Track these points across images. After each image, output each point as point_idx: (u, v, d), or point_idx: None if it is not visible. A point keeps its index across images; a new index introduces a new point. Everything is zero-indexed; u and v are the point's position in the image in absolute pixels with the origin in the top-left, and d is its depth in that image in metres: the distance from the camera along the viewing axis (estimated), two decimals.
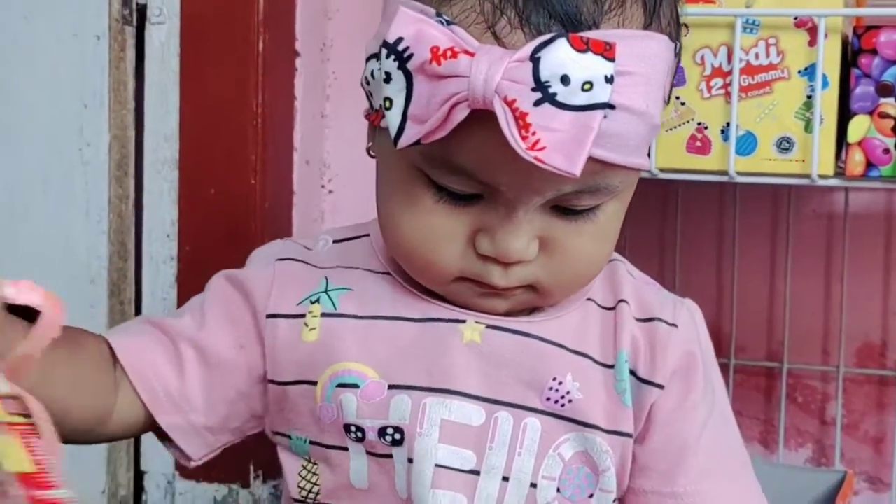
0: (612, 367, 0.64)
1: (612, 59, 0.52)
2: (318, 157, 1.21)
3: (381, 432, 0.63)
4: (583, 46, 0.52)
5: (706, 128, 0.90)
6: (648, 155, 0.62)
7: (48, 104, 1.16)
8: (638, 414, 0.64)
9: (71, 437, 0.62)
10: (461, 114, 0.53)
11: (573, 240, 0.60)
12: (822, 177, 0.87)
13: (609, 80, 0.52)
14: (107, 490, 1.17)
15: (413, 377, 0.63)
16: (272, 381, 0.66)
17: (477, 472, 0.63)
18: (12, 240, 1.19)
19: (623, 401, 0.64)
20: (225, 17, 1.11)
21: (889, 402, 1.11)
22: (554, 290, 0.62)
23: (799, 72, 0.87)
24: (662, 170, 0.91)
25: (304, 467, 0.66)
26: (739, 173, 0.89)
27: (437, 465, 0.62)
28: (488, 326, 0.63)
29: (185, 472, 1.15)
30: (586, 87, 0.52)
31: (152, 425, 0.66)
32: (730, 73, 0.88)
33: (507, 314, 0.64)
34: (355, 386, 0.63)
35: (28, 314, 0.53)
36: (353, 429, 0.63)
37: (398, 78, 0.54)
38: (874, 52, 0.86)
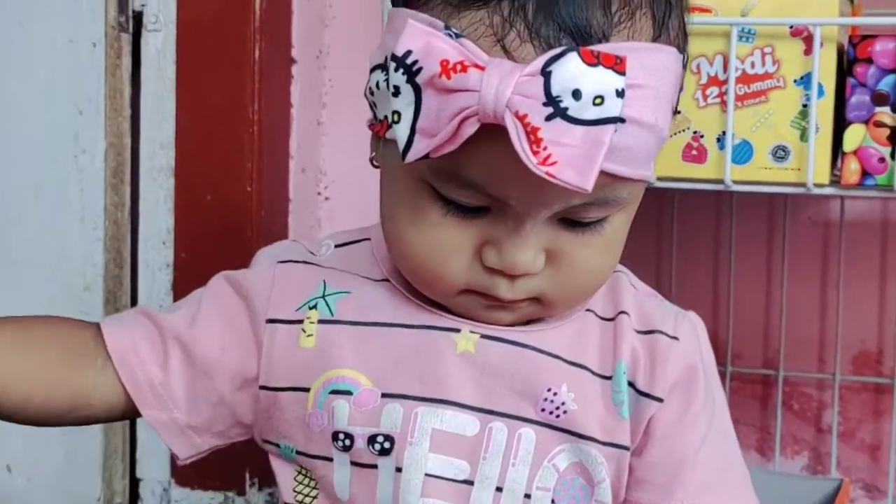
0: (609, 378, 0.64)
1: (622, 73, 0.52)
2: (314, 164, 1.21)
3: (371, 440, 0.63)
4: (594, 60, 0.52)
5: (702, 136, 0.90)
6: None
7: (44, 111, 1.16)
8: (635, 427, 0.64)
9: (46, 420, 0.66)
10: (471, 128, 0.53)
11: (580, 252, 0.59)
12: (817, 185, 0.87)
13: (620, 93, 0.52)
14: (102, 497, 1.17)
15: (406, 386, 0.63)
16: (264, 387, 0.66)
17: (471, 483, 0.63)
18: (7, 246, 1.18)
19: (620, 413, 0.64)
20: (221, 24, 1.11)
21: (885, 409, 1.11)
22: (559, 302, 0.62)
23: (795, 81, 0.87)
24: (659, 178, 0.91)
25: (300, 472, 0.66)
26: (735, 182, 0.89)
27: (427, 475, 0.62)
28: (482, 336, 0.63)
29: (180, 479, 1.15)
30: (597, 101, 0.52)
31: (137, 412, 0.67)
32: (725, 81, 0.88)
33: (510, 325, 0.63)
34: (348, 393, 0.63)
35: None
36: (341, 436, 0.63)
37: (407, 91, 0.54)
38: (870, 61, 0.86)
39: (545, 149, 0.52)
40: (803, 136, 0.87)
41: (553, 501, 0.63)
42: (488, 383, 0.63)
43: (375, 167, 0.64)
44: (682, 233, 1.13)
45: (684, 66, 0.61)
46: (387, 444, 0.63)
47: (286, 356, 0.65)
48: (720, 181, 0.89)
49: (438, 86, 0.53)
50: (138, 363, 0.66)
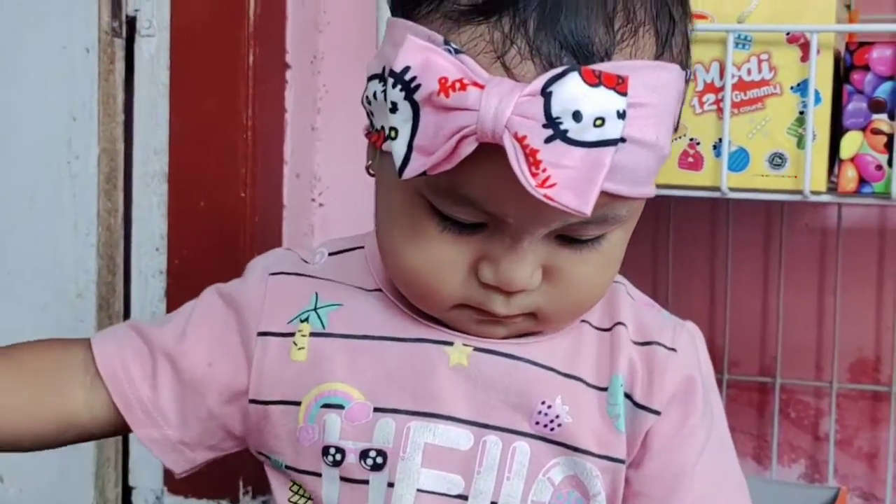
0: (605, 389, 0.63)
1: (624, 94, 0.51)
2: (308, 170, 1.21)
3: (363, 455, 0.62)
4: (595, 80, 0.51)
5: (698, 143, 0.89)
6: None
7: (37, 116, 1.16)
8: (632, 440, 0.63)
9: (40, 447, 0.67)
10: (469, 147, 0.52)
11: (577, 269, 0.59)
12: (814, 193, 0.87)
13: (621, 115, 0.51)
14: None
15: (398, 400, 0.62)
16: (254, 401, 0.65)
17: (465, 497, 0.62)
18: (0, 254, 1.18)
19: (616, 426, 0.63)
20: (215, 29, 1.11)
21: (883, 417, 1.10)
22: (555, 317, 0.61)
23: (791, 87, 0.87)
24: (655, 185, 0.91)
25: (295, 482, 0.66)
26: (732, 189, 0.88)
27: (419, 490, 0.62)
28: (476, 349, 0.62)
29: (173, 487, 1.14)
30: (598, 122, 0.51)
31: (130, 428, 0.67)
32: (722, 88, 0.87)
33: (504, 339, 0.63)
34: (340, 407, 0.62)
35: None
36: (332, 451, 0.63)
37: (404, 108, 0.53)
38: (867, 68, 0.85)
39: (544, 171, 0.51)
40: (800, 143, 0.87)
41: None
42: (482, 396, 0.62)
43: (371, 175, 0.63)
44: (679, 240, 1.12)
45: (687, 81, 0.60)
46: (379, 459, 0.62)
47: (277, 370, 0.64)
48: (716, 188, 0.89)
49: (437, 104, 0.52)
50: (128, 381, 0.66)
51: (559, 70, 0.51)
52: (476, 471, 0.62)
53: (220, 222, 1.12)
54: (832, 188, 0.89)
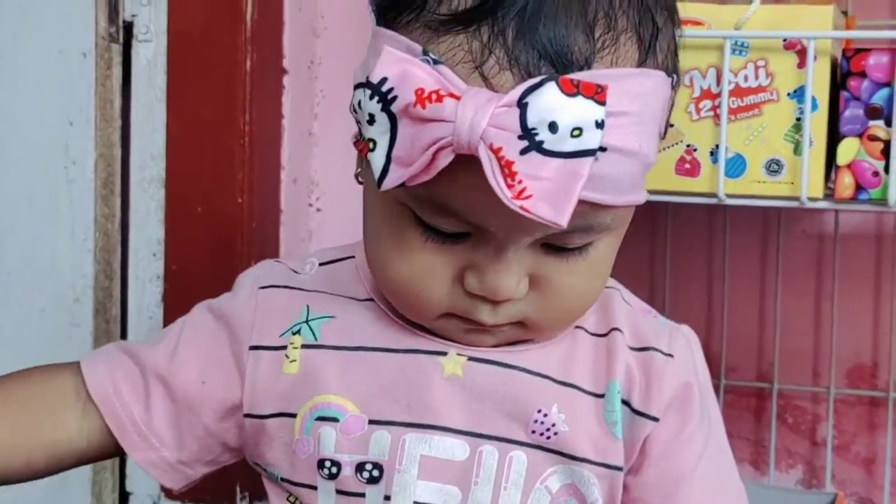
0: (601, 396, 0.63)
1: (602, 103, 0.51)
2: (305, 175, 1.21)
3: (359, 468, 0.62)
4: (573, 90, 0.50)
5: (695, 150, 0.89)
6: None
7: (34, 121, 1.16)
8: (630, 447, 0.63)
9: (38, 477, 0.66)
10: (446, 159, 0.52)
11: (564, 277, 0.58)
12: (811, 199, 0.87)
13: (600, 125, 0.51)
14: None
15: (393, 412, 0.62)
16: (250, 415, 0.65)
17: None
18: None
19: (613, 433, 0.63)
20: (212, 34, 1.11)
21: (880, 423, 1.10)
22: (544, 326, 0.61)
23: (788, 94, 0.87)
24: (651, 191, 0.90)
25: (292, 494, 0.66)
26: (729, 195, 0.88)
27: (416, 502, 0.61)
28: (470, 359, 0.62)
29: (170, 493, 1.14)
30: (575, 133, 0.50)
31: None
32: (719, 95, 0.87)
33: (495, 347, 0.63)
34: (335, 420, 0.62)
35: None
36: (327, 464, 0.62)
37: (382, 120, 0.53)
38: (863, 74, 0.86)
39: (520, 182, 0.50)
40: (797, 149, 0.87)
41: None
42: (477, 406, 0.62)
43: (360, 183, 0.63)
44: (676, 246, 1.12)
45: (675, 87, 0.59)
46: (375, 472, 0.62)
47: (270, 383, 0.64)
48: (713, 195, 0.89)
49: (414, 115, 0.51)
50: (121, 404, 0.65)
51: (536, 80, 0.51)
52: (473, 481, 0.62)
53: (218, 227, 1.12)
54: (829, 194, 0.89)
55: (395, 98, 0.52)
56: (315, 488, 0.63)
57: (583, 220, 0.55)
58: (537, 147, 0.50)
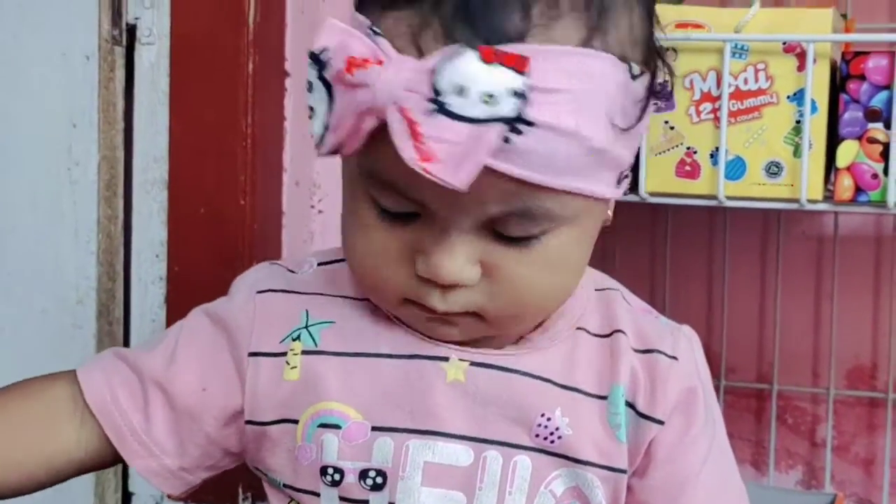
0: (605, 398, 0.63)
1: (522, 73, 0.51)
2: (307, 177, 1.21)
3: (363, 475, 0.62)
4: (492, 58, 0.50)
5: (695, 152, 0.90)
6: (620, 183, 0.58)
7: (37, 124, 1.16)
8: (634, 449, 0.63)
9: (39, 489, 0.66)
10: (369, 123, 0.52)
11: (515, 268, 0.57)
12: (811, 201, 0.87)
13: (519, 94, 0.51)
14: None
15: (396, 419, 0.62)
16: (251, 422, 0.64)
17: None
18: (0, 259, 1.18)
19: (617, 436, 0.63)
20: (215, 37, 1.11)
21: (879, 423, 1.11)
22: (500, 319, 0.60)
23: (788, 97, 0.87)
24: (652, 194, 0.91)
25: (294, 499, 0.65)
26: (729, 198, 0.89)
27: None
28: (472, 364, 0.62)
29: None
30: (486, 99, 0.50)
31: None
32: (719, 97, 0.88)
33: (462, 344, 0.62)
34: (337, 426, 0.62)
35: None
36: (330, 471, 0.62)
37: (318, 87, 0.54)
38: (862, 77, 0.86)
39: (425, 144, 0.51)
40: (796, 151, 0.87)
41: None
42: (480, 412, 0.61)
43: None
44: (676, 247, 1.13)
45: (641, 77, 0.57)
46: (379, 480, 0.61)
47: (271, 390, 0.63)
48: (713, 197, 0.89)
49: (345, 81, 0.52)
50: (119, 412, 0.65)
51: (456, 47, 0.51)
52: (477, 487, 0.61)
53: (220, 229, 1.12)
54: (828, 196, 0.90)
55: (328, 66, 0.53)
56: (318, 495, 0.63)
57: (519, 202, 0.54)
58: (442, 109, 0.51)
